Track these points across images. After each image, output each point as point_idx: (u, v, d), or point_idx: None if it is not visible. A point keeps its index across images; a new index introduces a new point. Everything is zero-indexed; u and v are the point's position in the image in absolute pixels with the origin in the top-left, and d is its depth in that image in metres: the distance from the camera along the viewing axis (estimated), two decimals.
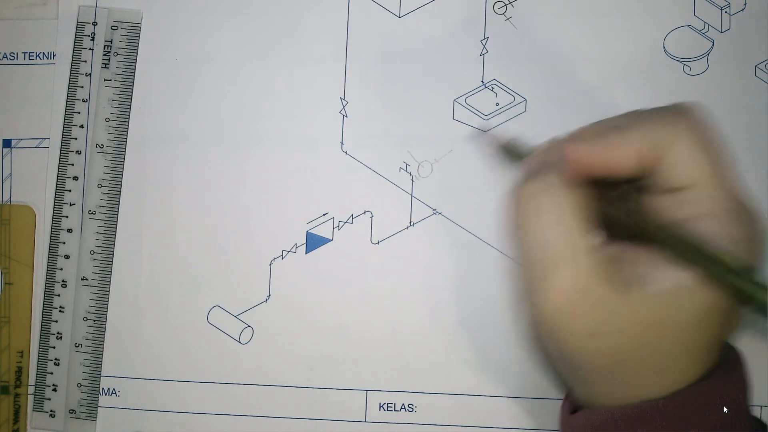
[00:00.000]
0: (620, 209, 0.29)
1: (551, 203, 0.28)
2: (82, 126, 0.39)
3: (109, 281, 0.38)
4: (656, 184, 0.29)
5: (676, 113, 0.29)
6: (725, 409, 0.29)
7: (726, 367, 0.29)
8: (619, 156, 0.28)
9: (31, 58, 0.39)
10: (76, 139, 0.39)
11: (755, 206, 0.29)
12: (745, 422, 0.29)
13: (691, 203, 0.28)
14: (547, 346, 0.30)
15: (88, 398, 0.38)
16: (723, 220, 0.27)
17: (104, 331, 0.38)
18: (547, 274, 0.28)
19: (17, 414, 0.38)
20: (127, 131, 0.39)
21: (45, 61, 0.39)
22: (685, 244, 0.27)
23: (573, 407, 0.31)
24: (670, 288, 0.27)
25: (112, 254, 0.38)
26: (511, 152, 0.34)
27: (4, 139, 0.39)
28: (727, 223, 0.27)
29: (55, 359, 0.38)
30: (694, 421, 0.28)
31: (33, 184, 0.39)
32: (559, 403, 0.36)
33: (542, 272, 0.28)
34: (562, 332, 0.28)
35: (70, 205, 0.38)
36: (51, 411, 0.38)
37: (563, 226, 0.28)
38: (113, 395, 0.38)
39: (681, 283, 0.27)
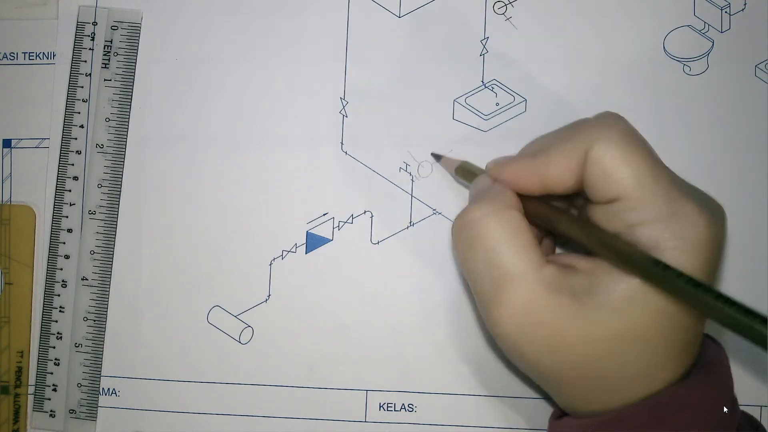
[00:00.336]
0: (566, 223, 0.30)
1: (495, 226, 0.29)
2: (82, 126, 0.39)
3: (109, 281, 0.38)
4: (591, 196, 0.29)
5: (599, 125, 0.29)
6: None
7: (706, 367, 0.29)
8: (551, 173, 0.29)
9: (31, 58, 0.39)
10: (76, 139, 0.39)
11: (708, 201, 0.29)
12: (730, 422, 0.29)
13: (623, 214, 0.28)
14: (513, 362, 0.31)
15: (88, 398, 0.38)
16: (658, 226, 0.27)
17: (104, 331, 0.38)
18: (497, 295, 0.28)
19: (17, 414, 0.38)
20: (127, 131, 0.39)
21: (45, 61, 0.39)
22: (624, 253, 0.27)
23: (559, 414, 0.32)
24: (619, 297, 0.27)
25: (112, 254, 0.38)
26: (466, 174, 0.35)
27: (4, 139, 0.39)
28: (663, 229, 0.27)
29: (55, 359, 0.38)
30: (672, 423, 0.28)
31: (33, 184, 0.39)
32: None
33: (492, 293, 0.29)
34: (519, 350, 0.29)
35: (70, 205, 0.38)
36: (51, 411, 0.38)
37: (508, 246, 0.29)
38: (113, 395, 0.38)
39: (630, 291, 0.27)
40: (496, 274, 0.29)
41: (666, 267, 0.26)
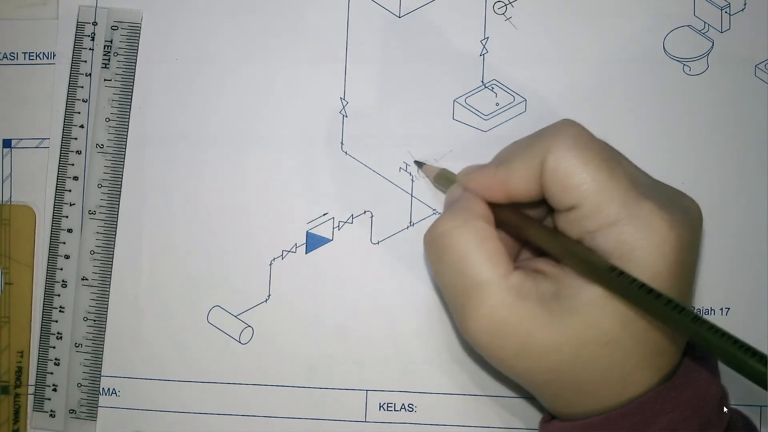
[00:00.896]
0: (531, 231, 0.30)
1: (462, 237, 0.30)
2: (82, 126, 0.39)
3: (109, 281, 0.38)
4: (552, 204, 0.29)
5: (553, 134, 0.29)
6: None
7: (690, 368, 0.29)
8: (513, 183, 0.30)
9: (31, 58, 0.39)
10: (76, 139, 0.39)
11: (678, 199, 0.29)
12: (719, 420, 0.29)
13: (583, 220, 0.28)
14: (493, 366, 0.31)
15: (88, 398, 0.38)
16: (617, 230, 0.27)
17: (104, 331, 0.38)
18: (467, 304, 0.29)
19: (17, 414, 0.38)
20: (127, 131, 0.39)
21: (45, 61, 0.39)
22: (583, 261, 0.27)
23: (548, 418, 0.32)
24: (584, 302, 0.27)
25: (112, 254, 0.38)
26: (443, 182, 0.36)
27: (4, 139, 0.39)
28: (621, 233, 0.27)
29: (55, 359, 0.38)
30: (658, 424, 0.27)
31: (33, 184, 0.39)
32: None
33: (463, 303, 0.29)
34: (493, 355, 0.29)
35: (70, 205, 0.38)
36: (51, 411, 0.38)
37: (475, 255, 0.29)
38: (113, 395, 0.38)
39: (594, 296, 0.27)
40: (466, 284, 0.29)
41: (621, 273, 0.26)
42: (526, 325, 0.28)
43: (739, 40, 0.37)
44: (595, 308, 0.27)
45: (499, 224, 0.31)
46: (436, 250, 0.31)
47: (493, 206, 0.31)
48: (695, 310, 0.36)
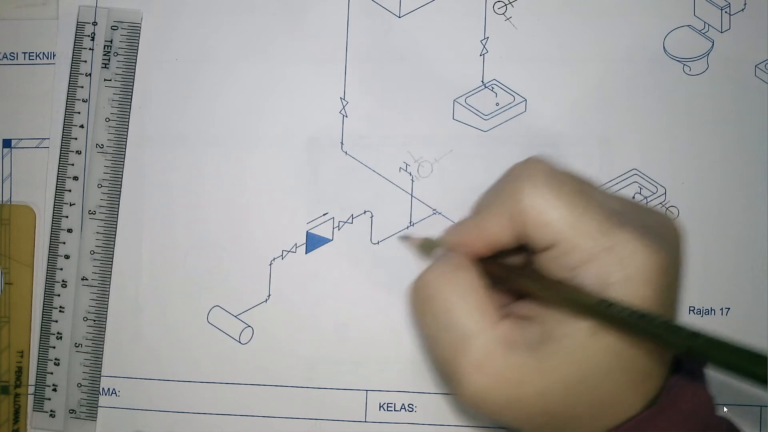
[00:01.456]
0: (515, 278, 0.30)
1: (446, 286, 0.29)
2: (82, 126, 0.39)
3: (109, 281, 0.38)
4: (530, 246, 0.29)
5: (519, 176, 0.29)
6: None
7: (675, 386, 0.29)
8: (491, 233, 0.29)
9: (31, 58, 0.39)
10: (76, 139, 0.39)
11: (658, 222, 0.29)
12: (713, 428, 0.29)
13: (562, 258, 0.28)
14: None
15: (88, 398, 0.38)
16: (597, 264, 0.27)
17: (104, 331, 0.38)
18: (454, 358, 0.28)
19: (17, 414, 0.38)
20: (127, 131, 0.39)
21: (45, 61, 0.39)
22: (571, 299, 0.27)
23: None
24: (571, 342, 0.27)
25: (112, 254, 0.38)
26: (427, 249, 0.35)
27: (4, 139, 0.39)
28: (602, 266, 0.27)
29: (55, 359, 0.38)
30: None
31: (33, 184, 0.39)
32: None
33: (450, 357, 0.29)
34: (486, 407, 0.29)
35: (70, 205, 0.38)
36: (51, 411, 0.38)
37: (460, 305, 0.29)
38: (113, 395, 0.38)
39: (580, 333, 0.27)
40: (451, 337, 0.29)
41: (610, 304, 0.26)
42: (516, 376, 0.27)
43: (739, 40, 0.37)
44: (585, 346, 0.27)
45: (489, 278, 0.31)
46: (420, 300, 0.30)
47: (480, 260, 0.31)
48: (692, 311, 0.36)
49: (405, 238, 0.37)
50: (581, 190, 0.28)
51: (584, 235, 0.27)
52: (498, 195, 0.29)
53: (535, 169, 0.28)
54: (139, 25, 0.39)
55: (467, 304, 0.29)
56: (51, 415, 0.38)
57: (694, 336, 0.24)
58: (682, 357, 0.29)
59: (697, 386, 0.29)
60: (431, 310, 0.30)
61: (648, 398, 0.28)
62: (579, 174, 0.29)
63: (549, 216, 0.27)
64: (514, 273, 0.30)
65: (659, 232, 0.28)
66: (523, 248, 0.30)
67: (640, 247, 0.27)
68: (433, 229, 0.37)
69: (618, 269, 0.26)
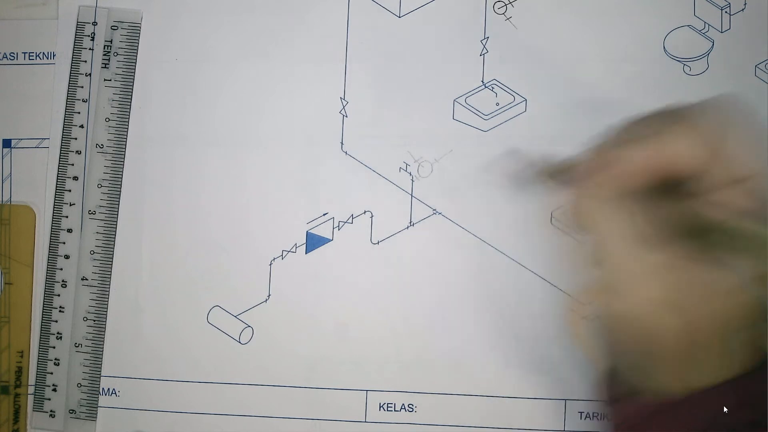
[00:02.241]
0: (675, 213, 0.29)
1: (612, 220, 0.29)
2: (82, 126, 0.39)
3: (109, 281, 0.38)
4: (716, 178, 0.28)
5: (717, 107, 0.28)
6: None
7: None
8: (676, 153, 0.28)
9: (31, 58, 0.39)
10: (76, 139, 0.39)
11: None
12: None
13: (759, 191, 0.27)
14: (627, 343, 0.30)
15: (88, 398, 0.38)
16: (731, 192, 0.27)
17: (104, 331, 0.38)
18: (621, 290, 0.28)
19: (17, 414, 0.38)
20: (127, 131, 0.39)
21: (45, 61, 0.39)
22: (753, 236, 0.27)
23: (615, 396, 0.31)
24: (746, 274, 0.27)
25: (112, 254, 0.38)
26: (549, 171, 0.33)
27: (4, 139, 0.39)
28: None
29: (55, 359, 0.38)
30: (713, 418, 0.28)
31: (33, 184, 0.39)
32: (558, 403, 0.37)
33: (616, 288, 0.29)
34: (650, 328, 0.28)
35: (70, 205, 0.38)
36: (51, 411, 0.38)
37: (627, 241, 0.28)
38: (113, 395, 0.38)
39: (756, 271, 0.27)
40: (620, 274, 0.29)
41: None
42: (686, 278, 0.28)
43: (739, 40, 0.37)
44: (755, 282, 0.27)
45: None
46: (596, 219, 0.29)
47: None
48: None
49: (513, 156, 0.36)
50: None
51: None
52: (690, 117, 0.28)
53: (731, 105, 0.28)
54: (139, 25, 0.39)
55: (634, 240, 0.28)
56: (51, 415, 0.38)
57: None
58: None
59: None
60: (598, 241, 0.29)
61: (750, 364, 0.28)
62: None
63: (751, 148, 0.28)
64: (677, 205, 0.29)
65: None
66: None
67: None
68: (433, 230, 0.37)
69: None
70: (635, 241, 0.29)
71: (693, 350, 0.29)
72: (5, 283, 0.39)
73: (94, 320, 0.38)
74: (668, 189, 0.29)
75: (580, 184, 0.30)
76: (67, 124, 0.39)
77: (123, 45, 0.39)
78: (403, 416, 0.37)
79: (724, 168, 0.28)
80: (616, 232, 0.29)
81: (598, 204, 0.29)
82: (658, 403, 0.29)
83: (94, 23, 0.39)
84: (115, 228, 0.38)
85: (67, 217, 0.38)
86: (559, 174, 0.33)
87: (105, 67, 0.39)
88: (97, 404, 0.38)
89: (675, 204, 0.29)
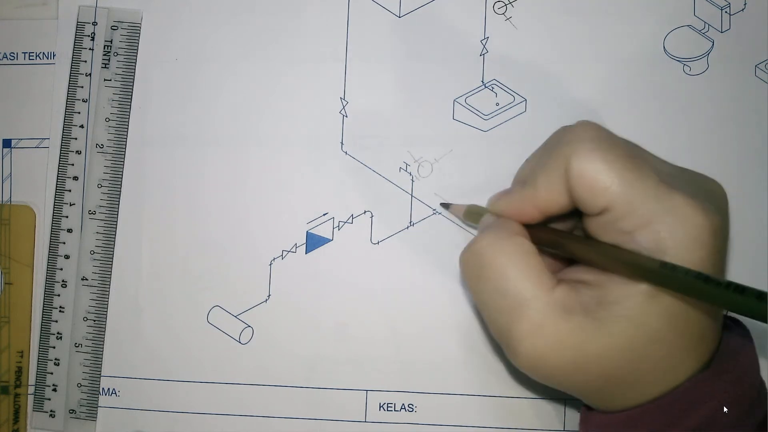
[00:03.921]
0: (569, 244, 0.30)
1: (501, 253, 0.29)
2: (82, 126, 0.39)
3: (109, 281, 0.38)
4: (583, 210, 0.29)
5: (572, 139, 0.28)
6: (725, 409, 0.29)
7: (727, 353, 0.29)
8: (542, 199, 0.29)
9: (31, 58, 0.39)
10: (76, 139, 0.39)
11: (703, 184, 0.29)
12: (759, 412, 0.29)
13: (617, 223, 0.28)
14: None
15: (88, 398, 0.38)
16: (653, 228, 0.27)
17: (104, 331, 0.38)
18: (511, 325, 0.28)
19: (17, 414, 0.38)
20: (127, 131, 0.39)
21: (45, 61, 0.39)
22: (630, 263, 0.27)
23: (587, 408, 0.32)
24: (631, 305, 0.27)
25: (112, 254, 0.38)
26: (473, 216, 0.35)
27: (4, 139, 0.39)
28: (659, 230, 0.27)
29: (55, 359, 0.38)
30: (700, 409, 0.28)
31: (33, 184, 0.39)
32: (558, 403, 0.37)
33: (507, 324, 0.29)
34: (541, 374, 0.29)
35: (70, 205, 0.38)
36: (51, 411, 0.38)
37: (515, 272, 0.29)
38: (113, 395, 0.38)
39: (640, 296, 0.27)
40: (508, 304, 0.29)
41: (674, 267, 0.26)
42: (574, 340, 0.28)
43: (739, 40, 0.37)
44: (642, 309, 0.27)
45: (537, 245, 0.31)
46: (474, 268, 0.30)
47: (528, 227, 0.31)
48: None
49: (446, 206, 0.37)
50: (633, 153, 0.28)
51: (639, 200, 0.27)
52: (548, 161, 0.29)
53: (585, 133, 0.28)
54: (139, 25, 0.39)
55: (522, 270, 0.29)
56: (51, 415, 0.38)
57: (762, 296, 0.24)
58: (737, 317, 0.30)
59: (747, 347, 0.30)
60: (486, 278, 0.29)
61: (703, 360, 0.28)
62: (628, 140, 0.29)
63: (603, 181, 0.27)
64: (567, 239, 0.30)
65: (709, 196, 0.28)
66: (569, 215, 0.30)
67: (694, 210, 0.27)
68: (433, 230, 0.37)
69: (674, 232, 0.27)
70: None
71: (606, 387, 0.29)
72: (5, 283, 0.39)
73: (94, 320, 0.38)
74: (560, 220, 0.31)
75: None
76: (67, 124, 0.39)
77: (123, 45, 0.39)
78: (403, 416, 0.37)
79: (582, 203, 0.28)
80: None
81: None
82: (616, 418, 0.29)
83: (94, 23, 0.39)
84: (115, 228, 0.38)
85: (67, 217, 0.38)
86: (478, 216, 0.34)
87: (105, 67, 0.39)
88: (97, 404, 0.38)
89: (563, 235, 0.30)
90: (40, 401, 0.38)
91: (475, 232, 0.37)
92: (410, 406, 0.37)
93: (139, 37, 0.39)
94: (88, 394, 0.38)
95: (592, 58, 0.38)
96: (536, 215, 0.30)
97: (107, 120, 0.39)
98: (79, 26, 0.39)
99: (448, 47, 0.38)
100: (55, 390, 0.38)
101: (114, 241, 0.38)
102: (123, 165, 0.39)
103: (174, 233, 0.38)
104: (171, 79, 0.39)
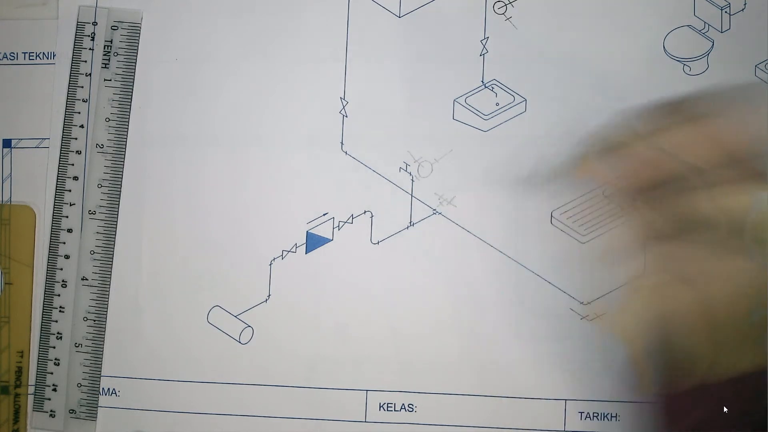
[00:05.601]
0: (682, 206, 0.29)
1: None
2: (82, 126, 0.39)
3: (109, 281, 0.38)
4: (720, 172, 0.28)
5: (715, 99, 0.28)
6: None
7: None
8: (683, 148, 0.29)
9: (31, 58, 0.39)
10: (76, 139, 0.39)
11: None
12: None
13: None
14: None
15: (88, 398, 0.38)
16: None
17: (104, 331, 0.38)
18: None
19: (17, 414, 0.38)
20: (127, 131, 0.39)
21: (45, 61, 0.39)
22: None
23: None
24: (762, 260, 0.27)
25: (112, 254, 0.38)
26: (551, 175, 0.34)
27: (4, 139, 0.39)
28: None
29: (55, 359, 0.38)
30: None
31: (33, 184, 0.39)
32: (558, 403, 0.37)
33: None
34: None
35: (70, 205, 0.38)
36: (51, 411, 0.38)
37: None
38: (113, 395, 0.38)
39: None
40: None
41: None
42: None
43: (739, 40, 0.37)
44: None
45: None
46: None
47: None
48: None
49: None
50: None
51: None
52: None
53: None
54: (139, 25, 0.39)
55: None
56: (51, 415, 0.38)
57: None
58: None
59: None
60: None
61: None
62: None
63: None
64: None
65: None
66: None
67: None
68: (433, 230, 0.37)
69: None
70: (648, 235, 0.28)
71: (714, 333, 0.28)
72: (5, 283, 0.39)
73: (94, 320, 0.38)
74: (672, 184, 0.29)
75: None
76: (67, 124, 0.39)
77: (123, 45, 0.39)
78: (403, 416, 0.37)
79: (728, 160, 0.28)
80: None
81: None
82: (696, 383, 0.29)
83: (94, 23, 0.39)
84: (115, 228, 0.38)
85: (67, 217, 0.38)
86: (561, 176, 0.33)
87: (105, 67, 0.39)
88: (97, 404, 0.38)
89: (680, 198, 0.29)
90: (40, 401, 0.38)
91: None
92: (410, 406, 0.37)
93: (139, 37, 0.39)
94: (88, 394, 0.38)
95: (593, 58, 0.38)
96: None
97: (107, 120, 0.39)
98: (79, 26, 0.39)
99: (448, 47, 0.38)
100: (55, 390, 0.38)
101: (114, 241, 0.38)
102: (123, 165, 0.39)
103: (174, 233, 0.38)
104: (171, 79, 0.39)
